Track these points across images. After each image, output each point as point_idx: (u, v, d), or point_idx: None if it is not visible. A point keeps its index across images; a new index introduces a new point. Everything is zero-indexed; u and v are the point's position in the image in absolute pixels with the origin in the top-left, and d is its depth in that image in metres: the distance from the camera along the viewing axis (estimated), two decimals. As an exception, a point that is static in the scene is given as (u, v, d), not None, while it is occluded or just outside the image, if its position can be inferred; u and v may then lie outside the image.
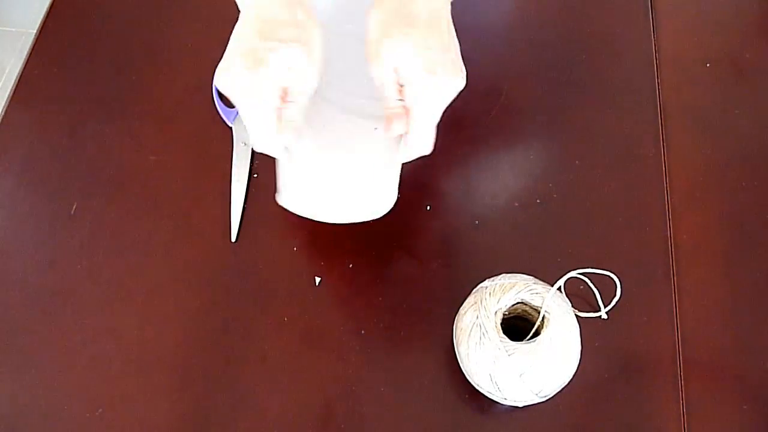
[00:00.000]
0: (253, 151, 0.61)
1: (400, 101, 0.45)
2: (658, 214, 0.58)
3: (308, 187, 0.51)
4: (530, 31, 0.67)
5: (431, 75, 0.43)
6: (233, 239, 0.58)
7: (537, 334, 0.46)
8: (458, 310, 0.49)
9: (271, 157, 0.61)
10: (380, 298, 0.55)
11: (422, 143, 0.47)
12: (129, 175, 0.61)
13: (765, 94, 0.64)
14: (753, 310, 0.54)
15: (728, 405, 0.51)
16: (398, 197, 0.59)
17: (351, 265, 0.56)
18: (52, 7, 0.71)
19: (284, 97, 0.45)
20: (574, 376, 0.46)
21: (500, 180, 0.60)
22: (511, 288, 0.46)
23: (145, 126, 0.64)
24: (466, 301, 0.49)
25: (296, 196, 0.50)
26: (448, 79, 0.44)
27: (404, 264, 0.56)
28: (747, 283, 0.55)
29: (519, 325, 0.49)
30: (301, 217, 0.58)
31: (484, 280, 0.49)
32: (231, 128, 0.63)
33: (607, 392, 0.52)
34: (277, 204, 0.59)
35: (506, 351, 0.44)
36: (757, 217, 0.58)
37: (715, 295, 0.55)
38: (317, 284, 0.56)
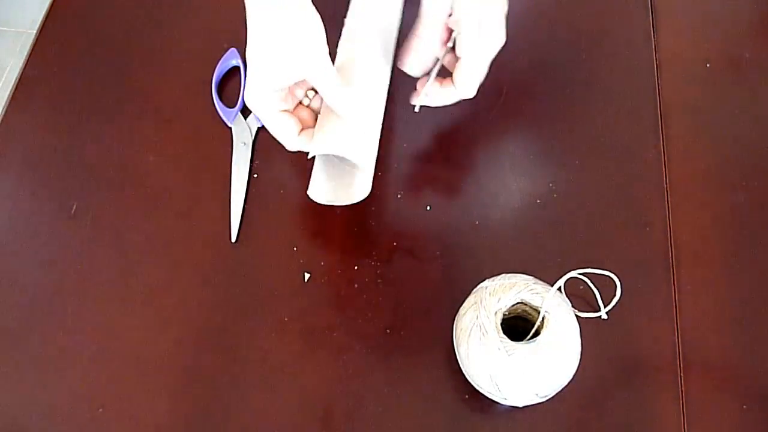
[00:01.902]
0: (253, 151, 0.61)
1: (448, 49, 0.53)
2: (658, 214, 0.58)
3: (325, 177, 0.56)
4: (530, 31, 0.67)
5: (481, 29, 0.49)
6: (233, 239, 0.58)
7: (537, 334, 0.46)
8: (458, 310, 0.49)
9: (270, 157, 0.62)
10: (380, 298, 0.55)
11: (468, 88, 0.53)
12: (129, 175, 0.61)
13: (765, 94, 0.63)
14: (753, 310, 0.54)
15: (728, 405, 0.51)
16: (399, 196, 0.59)
17: (351, 265, 0.56)
18: (52, 7, 0.71)
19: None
20: (574, 376, 0.46)
21: (500, 180, 0.60)
22: (511, 288, 0.46)
23: (145, 126, 0.64)
24: (466, 301, 0.49)
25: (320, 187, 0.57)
26: (488, 34, 0.50)
27: (404, 264, 0.56)
28: (747, 283, 0.55)
29: (519, 325, 0.49)
30: (306, 211, 0.58)
31: (484, 280, 0.49)
32: (231, 128, 0.63)
33: (607, 392, 0.52)
34: (277, 204, 0.60)
35: (506, 351, 0.44)
36: (757, 217, 0.58)
37: (715, 295, 0.55)
38: (316, 284, 0.56)
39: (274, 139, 0.63)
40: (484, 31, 0.50)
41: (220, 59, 0.65)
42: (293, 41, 0.47)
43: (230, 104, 0.64)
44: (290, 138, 0.52)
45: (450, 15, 0.51)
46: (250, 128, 0.62)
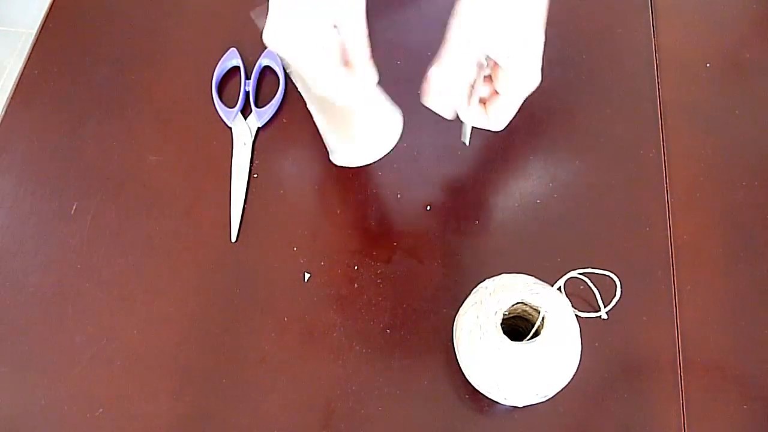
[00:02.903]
0: (252, 151, 0.61)
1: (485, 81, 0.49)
2: (658, 214, 0.58)
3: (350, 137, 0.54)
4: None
5: (508, 66, 0.46)
6: (233, 239, 0.58)
7: (537, 334, 0.46)
8: (458, 310, 0.49)
9: (271, 157, 0.62)
10: (380, 298, 0.55)
11: (501, 123, 0.51)
12: (129, 175, 0.61)
13: (765, 94, 0.63)
14: (753, 310, 0.54)
15: (728, 405, 0.51)
16: (399, 196, 0.59)
17: (351, 265, 0.56)
18: (52, 7, 0.71)
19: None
20: (574, 376, 0.46)
21: (500, 180, 0.60)
22: (511, 288, 0.46)
23: (145, 126, 0.64)
24: (466, 301, 0.49)
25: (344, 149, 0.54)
26: (524, 71, 0.47)
27: (404, 264, 0.56)
28: (747, 283, 0.55)
29: (519, 325, 0.49)
30: (306, 211, 0.58)
31: (484, 280, 0.49)
32: (231, 128, 0.63)
33: (607, 392, 0.52)
34: (277, 204, 0.60)
35: (506, 351, 0.44)
36: (757, 217, 0.58)
37: (715, 295, 0.55)
38: (316, 284, 0.56)
39: (274, 140, 0.63)
40: (527, 71, 0.47)
41: (220, 59, 0.65)
42: None
43: (230, 104, 0.64)
44: (336, 75, 0.47)
45: (480, 46, 0.47)
46: (250, 128, 0.62)
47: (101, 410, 0.52)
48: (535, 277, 0.48)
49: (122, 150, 0.62)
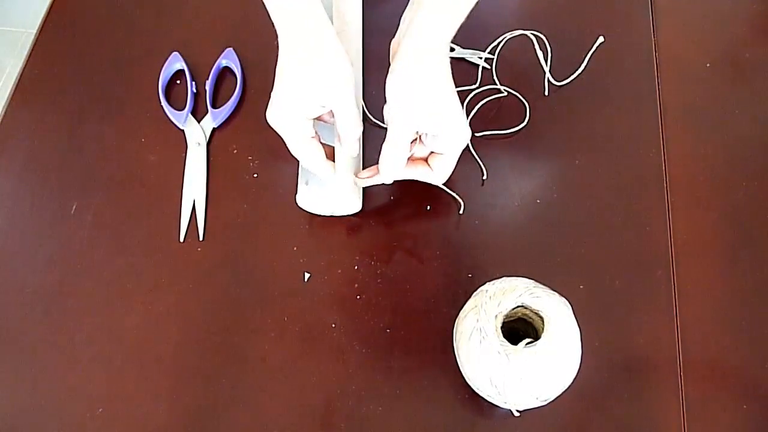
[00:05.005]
0: (208, 151, 0.61)
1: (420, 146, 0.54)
2: (658, 214, 0.58)
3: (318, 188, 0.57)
4: (529, 31, 0.67)
5: (440, 135, 0.51)
6: (182, 239, 0.58)
7: (537, 337, 0.45)
8: (458, 314, 0.49)
9: (270, 158, 0.62)
10: (380, 298, 0.55)
11: (445, 176, 0.55)
12: (129, 175, 0.61)
13: (765, 94, 0.63)
14: (753, 310, 0.54)
15: (728, 405, 0.51)
16: (399, 196, 0.59)
17: (351, 265, 0.56)
18: (52, 7, 0.71)
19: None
20: (574, 379, 0.46)
21: (500, 180, 0.60)
22: (511, 292, 0.46)
23: (145, 126, 0.64)
24: (467, 304, 0.49)
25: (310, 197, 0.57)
26: (455, 136, 0.51)
27: (404, 264, 0.56)
28: (747, 283, 0.55)
29: (520, 329, 0.49)
30: (303, 215, 0.58)
31: (484, 281, 0.49)
32: (183, 131, 0.62)
33: (607, 393, 0.52)
34: (277, 204, 0.60)
35: (507, 355, 0.44)
36: (757, 217, 0.58)
37: (715, 295, 0.55)
38: (316, 284, 0.56)
39: (273, 140, 0.63)
40: (458, 132, 0.51)
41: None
42: (324, 71, 0.49)
43: (179, 107, 0.63)
44: (319, 163, 0.53)
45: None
46: (203, 129, 0.62)
47: (101, 410, 0.52)
48: (535, 276, 0.48)
49: (122, 150, 0.62)
